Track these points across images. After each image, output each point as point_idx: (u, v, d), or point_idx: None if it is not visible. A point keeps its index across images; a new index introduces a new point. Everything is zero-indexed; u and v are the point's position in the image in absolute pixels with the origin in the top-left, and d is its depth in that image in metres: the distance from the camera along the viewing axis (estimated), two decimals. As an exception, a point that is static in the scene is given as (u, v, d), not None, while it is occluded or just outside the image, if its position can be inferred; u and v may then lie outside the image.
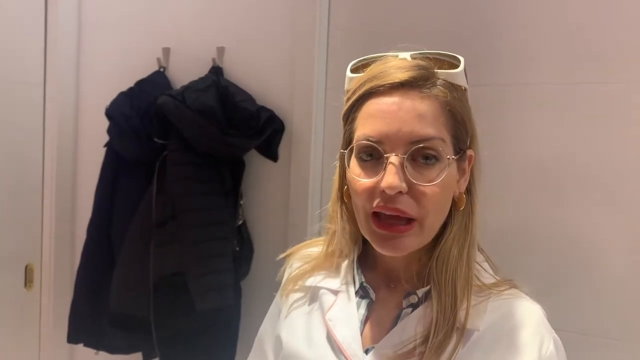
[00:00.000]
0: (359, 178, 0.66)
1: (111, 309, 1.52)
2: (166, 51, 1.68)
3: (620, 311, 1.15)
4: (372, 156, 0.65)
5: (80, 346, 1.66)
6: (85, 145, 1.86)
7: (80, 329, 1.64)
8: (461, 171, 0.69)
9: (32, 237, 1.82)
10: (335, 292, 0.75)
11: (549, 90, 1.21)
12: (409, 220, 0.64)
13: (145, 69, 1.67)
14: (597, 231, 1.18)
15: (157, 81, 1.65)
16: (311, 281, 0.79)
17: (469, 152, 0.69)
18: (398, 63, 0.65)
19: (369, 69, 0.67)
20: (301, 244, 0.87)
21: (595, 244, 1.18)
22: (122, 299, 1.51)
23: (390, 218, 0.64)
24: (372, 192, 0.64)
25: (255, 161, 1.56)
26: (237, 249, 1.51)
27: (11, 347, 1.77)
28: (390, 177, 0.62)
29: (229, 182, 1.50)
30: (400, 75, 0.63)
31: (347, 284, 0.75)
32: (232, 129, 1.46)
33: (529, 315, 0.68)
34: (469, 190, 0.71)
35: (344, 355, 0.69)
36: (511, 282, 0.72)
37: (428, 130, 0.62)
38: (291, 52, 1.51)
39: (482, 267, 0.72)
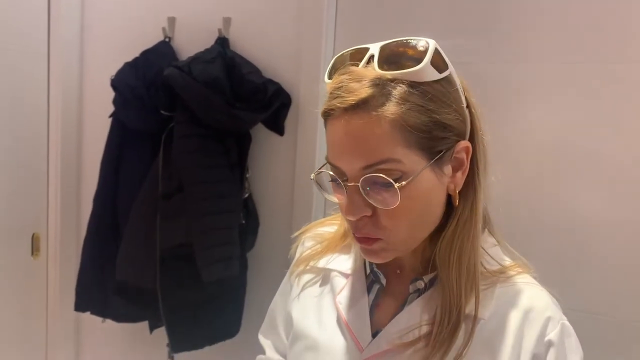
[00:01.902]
0: (330, 195, 0.67)
1: (117, 279, 1.53)
2: (171, 21, 1.66)
3: (628, 291, 1.17)
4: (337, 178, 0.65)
5: (87, 314, 1.69)
6: (91, 115, 1.85)
7: (87, 298, 1.67)
8: (457, 163, 0.66)
9: (38, 206, 1.83)
10: (346, 276, 0.76)
11: (553, 69, 1.20)
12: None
13: (150, 39, 1.65)
14: (601, 212, 1.18)
15: (162, 51, 1.63)
16: (323, 262, 0.80)
17: (462, 144, 0.65)
18: (355, 74, 0.62)
19: (333, 77, 0.65)
20: (315, 222, 0.87)
21: (601, 224, 1.18)
22: (128, 270, 1.53)
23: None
24: None
25: (261, 135, 1.56)
26: (243, 221, 1.52)
27: (19, 314, 1.80)
28: (347, 207, 0.63)
29: (235, 155, 1.50)
30: (350, 99, 0.60)
31: (358, 267, 0.76)
32: (238, 102, 1.45)
33: (535, 301, 0.67)
34: (470, 181, 0.68)
35: (353, 338, 0.71)
36: (521, 266, 0.71)
37: (376, 155, 0.60)
38: (298, 25, 1.49)
39: (488, 253, 0.70)
